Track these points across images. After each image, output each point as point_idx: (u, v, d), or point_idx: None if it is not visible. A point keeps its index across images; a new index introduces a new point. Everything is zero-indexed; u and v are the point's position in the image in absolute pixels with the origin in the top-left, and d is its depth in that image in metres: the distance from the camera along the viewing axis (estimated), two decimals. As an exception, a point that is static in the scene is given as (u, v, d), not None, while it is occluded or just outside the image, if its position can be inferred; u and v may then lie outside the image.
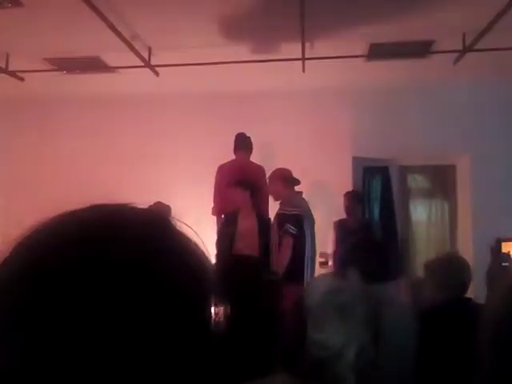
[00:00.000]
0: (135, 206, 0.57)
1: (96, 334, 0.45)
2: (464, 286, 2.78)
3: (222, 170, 5.38)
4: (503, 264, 4.28)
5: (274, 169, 5.31)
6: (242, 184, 4.99)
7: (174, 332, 0.48)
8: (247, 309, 2.72)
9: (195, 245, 0.56)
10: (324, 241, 5.74)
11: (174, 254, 0.52)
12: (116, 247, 0.49)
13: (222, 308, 0.58)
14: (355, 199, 5.95)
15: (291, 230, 4.86)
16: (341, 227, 5.79)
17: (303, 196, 5.28)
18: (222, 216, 5.25)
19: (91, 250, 0.48)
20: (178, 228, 0.56)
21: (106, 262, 0.48)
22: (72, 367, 0.44)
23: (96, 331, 0.45)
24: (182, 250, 0.54)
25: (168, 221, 0.56)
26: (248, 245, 4.75)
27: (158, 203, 5.32)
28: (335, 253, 5.66)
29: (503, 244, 5.14)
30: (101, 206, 0.55)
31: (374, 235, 5.77)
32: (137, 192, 6.22)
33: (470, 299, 2.78)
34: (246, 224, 4.93)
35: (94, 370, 0.44)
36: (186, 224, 0.58)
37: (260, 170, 5.44)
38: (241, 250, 4.74)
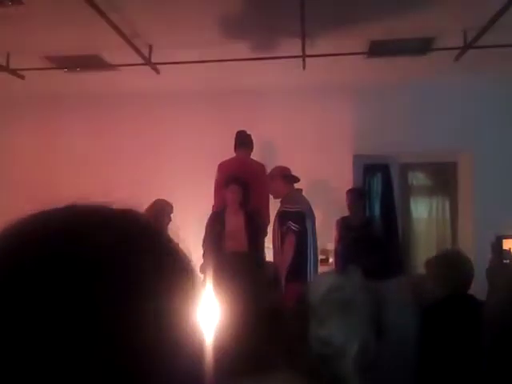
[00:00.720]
0: (114, 206, 0.54)
1: (63, 340, 0.42)
2: (466, 283, 2.78)
3: (223, 168, 5.38)
4: (504, 261, 4.28)
5: (274, 166, 5.32)
6: (232, 181, 4.97)
7: (154, 331, 0.46)
8: (246, 305, 2.72)
9: (175, 245, 0.54)
10: (325, 238, 5.74)
11: (152, 254, 0.51)
12: (85, 247, 0.47)
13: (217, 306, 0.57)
14: (357, 196, 5.91)
15: (294, 227, 4.86)
16: (343, 225, 5.77)
17: (303, 193, 5.28)
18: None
19: (54, 250, 0.46)
20: (155, 229, 0.54)
21: (69, 262, 0.46)
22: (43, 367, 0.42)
23: (63, 336, 0.42)
24: (160, 249, 0.52)
25: (144, 220, 0.54)
26: (237, 242, 4.75)
27: (160, 200, 5.33)
28: (336, 250, 5.66)
29: (504, 241, 5.14)
30: (76, 206, 0.53)
31: (375, 232, 5.76)
32: (137, 189, 6.22)
33: (472, 296, 2.78)
34: (234, 222, 4.91)
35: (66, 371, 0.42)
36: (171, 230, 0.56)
37: (261, 167, 5.44)
38: (230, 247, 4.74)
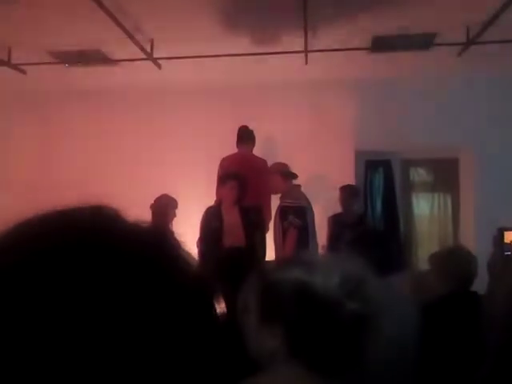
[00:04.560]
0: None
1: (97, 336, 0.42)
2: (469, 280, 2.77)
3: (225, 163, 5.38)
4: (506, 253, 4.28)
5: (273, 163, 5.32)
6: (230, 177, 4.95)
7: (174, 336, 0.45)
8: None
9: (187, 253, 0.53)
10: (325, 234, 5.73)
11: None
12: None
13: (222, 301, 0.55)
14: (351, 193, 5.84)
15: (295, 222, 4.85)
16: (336, 222, 5.72)
17: (304, 189, 5.28)
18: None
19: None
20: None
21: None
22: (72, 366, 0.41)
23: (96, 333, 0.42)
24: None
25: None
26: (235, 238, 4.74)
27: (164, 196, 5.34)
28: (328, 248, 5.60)
29: (506, 233, 5.12)
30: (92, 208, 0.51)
31: (374, 229, 5.74)
32: (139, 185, 6.22)
33: (474, 293, 2.77)
34: (231, 217, 4.89)
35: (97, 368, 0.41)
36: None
37: (263, 163, 5.43)
38: (229, 243, 4.73)
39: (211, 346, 0.48)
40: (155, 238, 0.51)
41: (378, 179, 6.86)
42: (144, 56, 5.36)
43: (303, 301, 1.18)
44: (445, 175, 7.04)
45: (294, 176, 5.16)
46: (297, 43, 5.14)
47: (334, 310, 1.14)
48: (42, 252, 0.45)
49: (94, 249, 0.45)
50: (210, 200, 5.32)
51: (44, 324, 0.41)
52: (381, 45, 5.43)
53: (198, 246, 4.84)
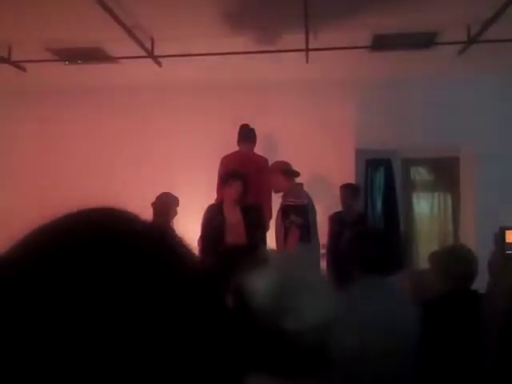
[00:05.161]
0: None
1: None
2: (469, 279, 2.77)
3: (225, 161, 5.37)
4: (507, 252, 4.29)
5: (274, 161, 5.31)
6: (232, 176, 4.94)
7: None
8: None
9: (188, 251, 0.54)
10: (326, 233, 5.73)
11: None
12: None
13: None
14: (352, 192, 5.85)
15: (297, 222, 4.84)
16: (337, 221, 5.73)
17: (305, 188, 5.27)
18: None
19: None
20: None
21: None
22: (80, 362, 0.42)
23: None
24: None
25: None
26: (237, 236, 4.73)
27: (166, 194, 5.33)
28: (328, 246, 5.62)
29: (507, 232, 5.11)
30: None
31: (374, 227, 5.73)
32: (139, 182, 6.22)
33: (475, 292, 2.77)
34: (233, 216, 4.88)
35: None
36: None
37: (263, 161, 5.43)
38: (230, 241, 4.73)
39: (222, 342, 0.49)
40: (158, 235, 0.52)
41: (379, 178, 6.86)
42: (144, 54, 5.36)
43: (247, 313, 1.23)
44: (445, 174, 7.03)
45: (296, 174, 5.14)
46: (297, 42, 5.13)
47: (269, 327, 1.19)
48: (59, 256, 0.46)
49: (111, 249, 0.46)
50: (211, 198, 5.32)
51: (60, 320, 0.42)
52: (381, 43, 5.43)
53: (199, 245, 4.83)
